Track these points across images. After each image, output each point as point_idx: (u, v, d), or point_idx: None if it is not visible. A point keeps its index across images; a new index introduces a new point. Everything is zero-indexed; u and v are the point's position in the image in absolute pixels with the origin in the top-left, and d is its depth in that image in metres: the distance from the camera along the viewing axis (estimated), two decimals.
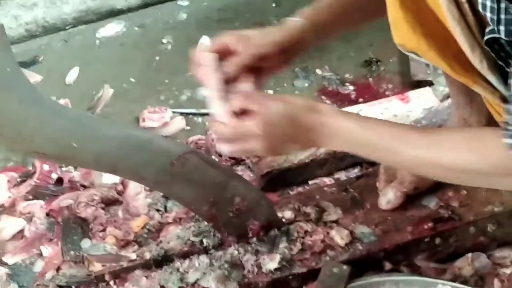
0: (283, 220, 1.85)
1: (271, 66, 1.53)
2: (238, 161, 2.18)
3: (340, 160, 2.10)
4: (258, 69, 1.50)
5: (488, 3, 1.10)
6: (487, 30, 1.15)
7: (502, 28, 1.09)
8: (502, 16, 1.08)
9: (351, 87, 2.44)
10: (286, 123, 1.37)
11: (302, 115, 1.37)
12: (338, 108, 1.52)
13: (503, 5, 1.07)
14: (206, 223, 1.83)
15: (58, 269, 1.95)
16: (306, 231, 1.82)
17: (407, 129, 1.41)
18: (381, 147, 1.36)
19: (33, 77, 2.86)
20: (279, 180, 2.08)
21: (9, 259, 2.03)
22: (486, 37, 1.15)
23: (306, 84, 2.51)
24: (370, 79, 2.46)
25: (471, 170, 1.29)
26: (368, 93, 2.40)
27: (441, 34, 1.28)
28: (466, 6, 1.18)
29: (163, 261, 1.82)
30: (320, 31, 1.58)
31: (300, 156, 2.07)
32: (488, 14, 1.11)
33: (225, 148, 1.42)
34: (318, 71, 2.54)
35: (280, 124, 1.37)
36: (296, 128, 1.38)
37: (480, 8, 1.12)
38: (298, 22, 1.54)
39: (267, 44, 1.49)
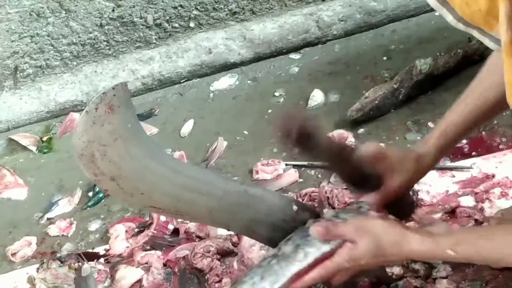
0: (392, 276, 1.85)
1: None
2: None
3: None
4: None
5: None
6: None
7: None
8: None
9: (464, 141, 2.41)
10: (370, 258, 1.47)
11: (388, 251, 1.48)
12: (429, 230, 1.62)
13: None
14: None
15: None
16: (415, 287, 1.82)
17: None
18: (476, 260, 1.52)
19: (150, 129, 2.95)
20: None
21: None
22: None
23: (418, 138, 2.49)
24: (483, 133, 2.42)
25: None
26: (481, 147, 2.36)
27: None
28: None
29: None
30: (449, 151, 1.81)
31: None
32: None
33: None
34: (430, 125, 2.53)
35: (364, 259, 1.48)
36: (378, 258, 1.48)
37: None
38: (428, 155, 1.72)
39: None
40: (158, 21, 3.21)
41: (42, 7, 3.08)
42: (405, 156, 1.69)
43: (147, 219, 2.41)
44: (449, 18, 1.49)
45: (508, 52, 1.29)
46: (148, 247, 2.27)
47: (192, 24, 3.24)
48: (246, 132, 2.81)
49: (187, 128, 2.95)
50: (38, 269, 2.29)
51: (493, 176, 2.21)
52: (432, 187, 2.21)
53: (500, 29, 1.29)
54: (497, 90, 1.65)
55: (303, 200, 2.28)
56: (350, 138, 2.58)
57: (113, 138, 1.46)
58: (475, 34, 1.42)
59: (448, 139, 1.71)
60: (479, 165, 2.27)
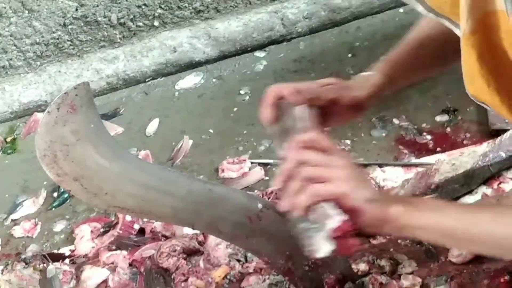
0: (358, 273, 1.86)
1: (340, 115, 1.57)
2: None
3: None
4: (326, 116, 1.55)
5: None
6: None
7: None
8: None
9: (429, 137, 2.43)
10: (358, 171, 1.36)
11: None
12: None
13: None
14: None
15: None
16: (381, 283, 1.81)
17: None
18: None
19: (115, 129, 2.94)
20: None
21: None
22: None
23: (383, 134, 2.51)
24: (448, 129, 2.44)
25: None
26: (446, 143, 2.38)
27: None
28: None
29: None
30: (395, 84, 1.64)
31: None
32: None
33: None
34: (395, 121, 2.54)
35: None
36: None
37: None
38: (374, 78, 1.60)
39: (343, 96, 1.55)
40: (122, 20, 3.19)
41: (5, 7, 3.05)
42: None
43: (113, 219, 2.40)
44: (420, 9, 1.48)
45: (467, 42, 1.30)
46: (113, 247, 2.26)
47: (156, 23, 3.23)
48: (211, 131, 2.81)
49: (152, 127, 2.94)
50: (2, 270, 2.28)
51: None
52: (398, 183, 2.22)
53: (460, 19, 1.30)
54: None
55: (269, 198, 2.28)
56: None
57: (76, 138, 1.46)
58: (446, 23, 1.42)
59: (395, 69, 1.64)
60: (443, 160, 2.28)
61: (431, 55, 1.65)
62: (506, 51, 1.28)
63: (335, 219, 1.26)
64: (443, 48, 1.62)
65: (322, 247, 1.28)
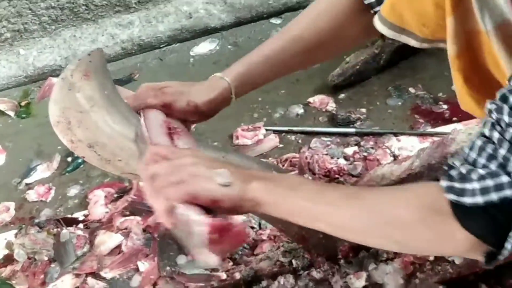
0: None
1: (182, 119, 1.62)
2: (332, 178, 2.19)
3: (435, 171, 2.08)
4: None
5: None
6: None
7: None
8: None
9: (445, 106, 2.42)
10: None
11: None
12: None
13: None
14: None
15: (154, 284, 1.98)
16: (395, 253, 1.80)
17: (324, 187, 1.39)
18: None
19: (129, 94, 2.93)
20: None
21: (107, 273, 2.06)
22: None
23: (399, 103, 2.50)
24: None
25: (398, 222, 1.21)
26: (462, 112, 2.33)
27: None
28: None
29: (252, 281, 1.84)
30: (249, 87, 1.70)
31: (397, 171, 2.06)
32: None
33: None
34: (411, 90, 2.53)
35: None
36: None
37: None
38: (222, 83, 1.64)
39: (177, 100, 1.61)
40: None
41: None
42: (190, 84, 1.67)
43: (127, 184, 2.40)
44: (412, 42, 1.48)
45: (453, 65, 1.33)
46: (127, 213, 2.26)
47: None
48: None
49: None
50: (16, 234, 2.29)
51: None
52: (413, 152, 2.21)
53: (447, 42, 1.30)
54: (316, 34, 1.63)
55: (283, 165, 2.28)
56: (331, 104, 2.58)
57: (90, 105, 1.45)
58: (442, 45, 1.41)
59: (251, 71, 1.68)
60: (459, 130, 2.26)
61: (301, 54, 1.66)
62: (490, 71, 1.30)
63: (201, 222, 1.21)
64: (317, 47, 1.64)
65: (208, 260, 1.23)
